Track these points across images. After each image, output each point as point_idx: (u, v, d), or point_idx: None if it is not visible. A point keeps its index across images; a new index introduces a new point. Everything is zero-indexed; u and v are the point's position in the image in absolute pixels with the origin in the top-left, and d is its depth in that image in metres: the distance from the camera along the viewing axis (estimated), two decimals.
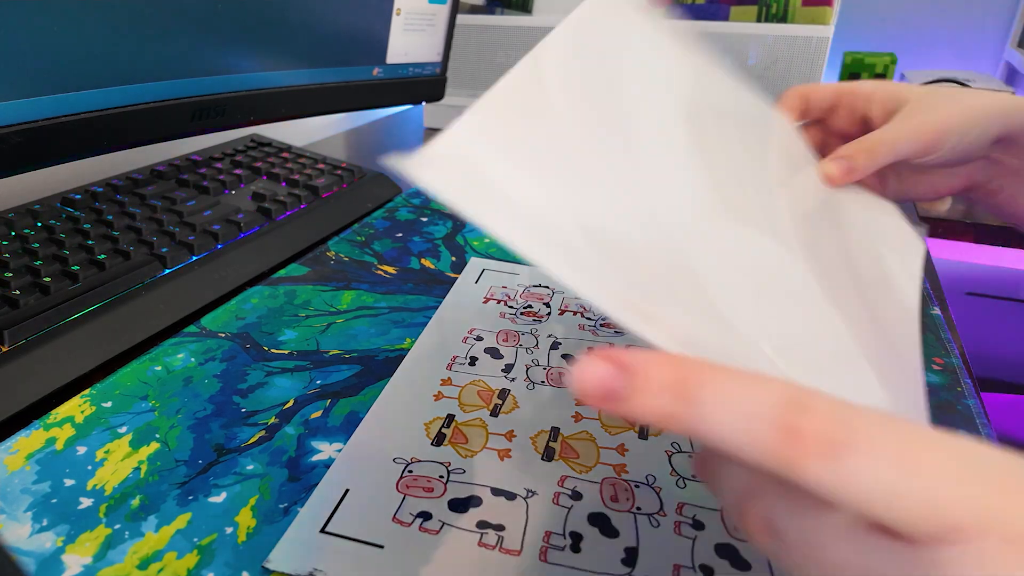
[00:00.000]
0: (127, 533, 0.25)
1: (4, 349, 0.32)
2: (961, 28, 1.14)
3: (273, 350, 0.36)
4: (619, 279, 0.18)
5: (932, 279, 0.46)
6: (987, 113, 0.32)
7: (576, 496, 0.27)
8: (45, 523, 0.25)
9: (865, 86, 0.36)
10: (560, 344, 0.37)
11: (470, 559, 0.24)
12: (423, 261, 0.47)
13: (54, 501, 0.26)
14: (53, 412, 0.31)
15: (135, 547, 0.24)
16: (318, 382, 0.34)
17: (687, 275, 0.20)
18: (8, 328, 0.32)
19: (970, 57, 1.15)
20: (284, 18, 0.46)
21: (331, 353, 0.36)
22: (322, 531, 0.25)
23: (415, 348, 0.36)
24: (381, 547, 0.24)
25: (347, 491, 0.26)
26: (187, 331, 0.38)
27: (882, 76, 0.88)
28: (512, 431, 0.30)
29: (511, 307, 0.41)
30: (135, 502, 0.26)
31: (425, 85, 0.63)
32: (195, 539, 0.24)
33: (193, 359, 0.35)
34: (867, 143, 0.33)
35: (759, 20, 0.74)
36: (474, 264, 0.46)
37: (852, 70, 0.89)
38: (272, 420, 0.31)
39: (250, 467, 0.28)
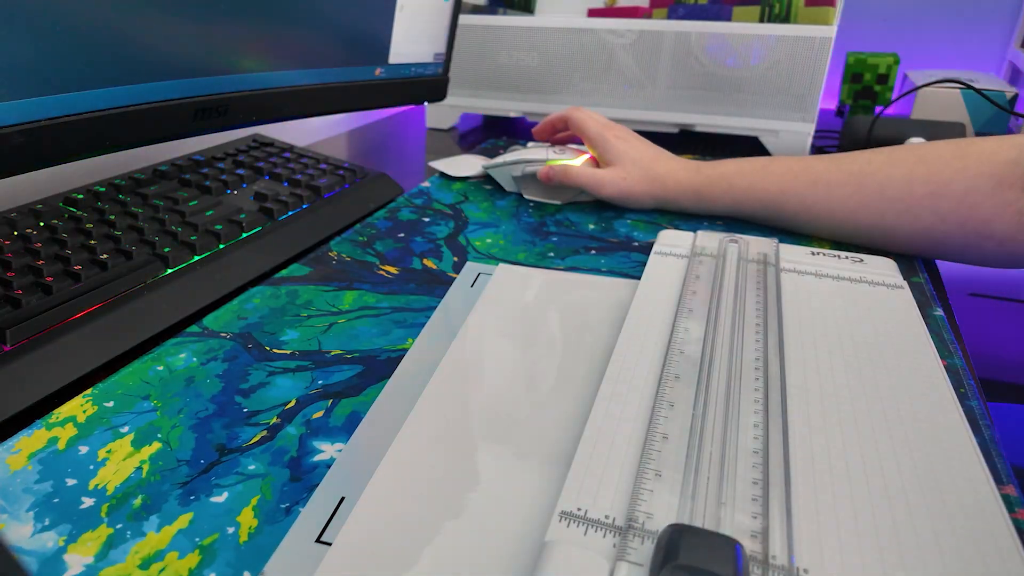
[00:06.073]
0: (129, 533, 0.25)
1: (6, 348, 0.32)
2: (965, 28, 1.14)
3: (275, 350, 0.36)
4: None
5: (935, 280, 0.46)
6: None
7: None
8: (47, 523, 0.25)
9: None
10: None
11: None
12: (425, 261, 0.47)
13: (56, 501, 0.26)
14: (55, 412, 0.31)
15: (137, 547, 0.24)
16: (320, 382, 0.34)
17: None
18: (10, 327, 0.32)
19: (974, 57, 1.15)
20: (287, 18, 0.46)
21: (333, 353, 0.36)
22: (317, 540, 0.24)
23: (411, 351, 0.36)
24: None
25: (342, 499, 0.26)
26: (189, 331, 0.38)
27: (885, 77, 0.88)
28: None
29: None
30: (137, 502, 0.26)
31: (427, 85, 0.63)
32: (197, 539, 0.24)
33: (195, 359, 0.35)
34: None
35: (761, 20, 0.74)
36: (469, 268, 0.46)
37: (855, 70, 0.88)
38: (274, 420, 0.31)
39: (252, 467, 0.28)
